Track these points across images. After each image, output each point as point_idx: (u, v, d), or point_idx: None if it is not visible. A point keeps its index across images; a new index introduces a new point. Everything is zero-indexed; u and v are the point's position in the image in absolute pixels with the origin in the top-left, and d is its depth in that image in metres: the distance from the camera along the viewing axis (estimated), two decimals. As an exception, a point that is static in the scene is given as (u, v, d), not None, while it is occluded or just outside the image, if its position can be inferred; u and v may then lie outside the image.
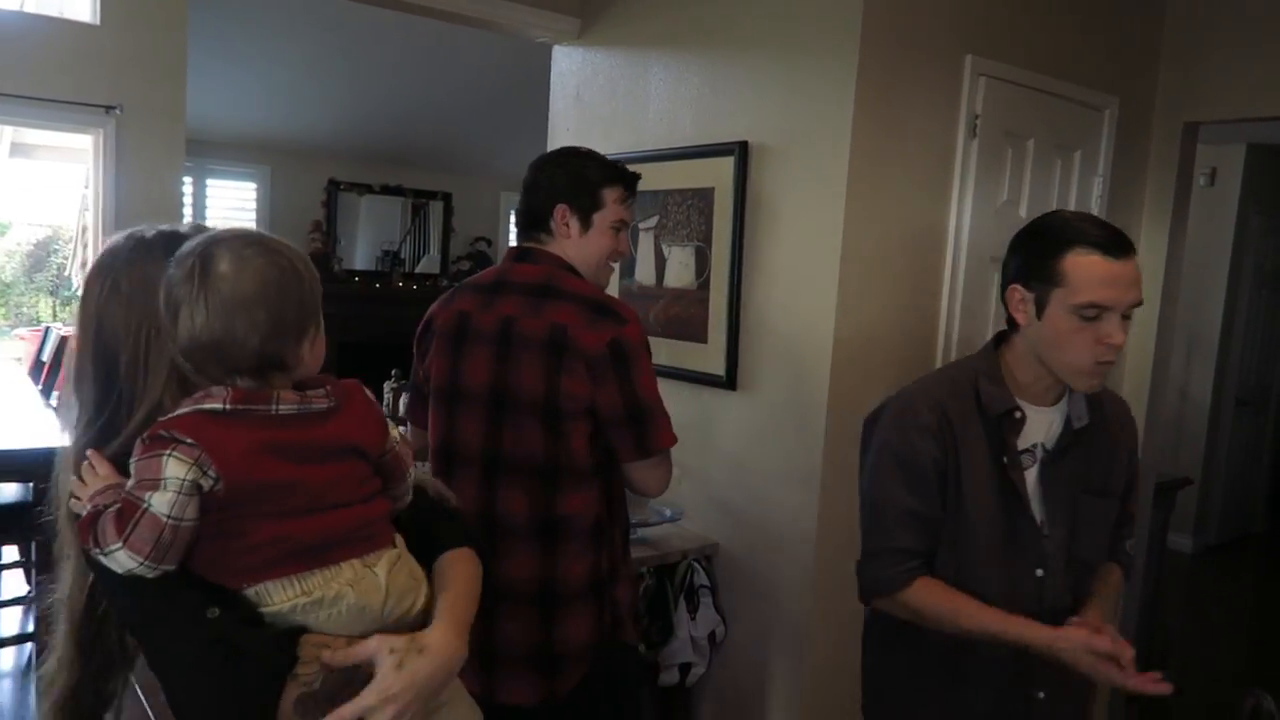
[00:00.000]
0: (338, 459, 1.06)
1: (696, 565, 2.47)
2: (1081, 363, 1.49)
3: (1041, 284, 1.50)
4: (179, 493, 0.96)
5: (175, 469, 0.96)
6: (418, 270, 7.39)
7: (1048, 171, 2.61)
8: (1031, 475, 1.58)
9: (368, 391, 1.14)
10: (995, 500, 1.55)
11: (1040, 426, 1.59)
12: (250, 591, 1.02)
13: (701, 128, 2.58)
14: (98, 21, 4.91)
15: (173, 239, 1.10)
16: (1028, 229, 1.58)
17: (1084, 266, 1.45)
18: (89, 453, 1.05)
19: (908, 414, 1.59)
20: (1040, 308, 1.51)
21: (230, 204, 6.76)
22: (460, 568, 1.17)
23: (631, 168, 1.94)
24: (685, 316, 2.63)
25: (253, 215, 6.76)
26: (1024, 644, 1.47)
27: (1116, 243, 1.46)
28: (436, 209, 7.49)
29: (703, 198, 2.55)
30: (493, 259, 7.37)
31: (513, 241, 8.36)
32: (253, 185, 6.76)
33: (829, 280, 2.24)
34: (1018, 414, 1.56)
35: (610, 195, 1.87)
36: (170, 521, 0.96)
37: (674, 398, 2.57)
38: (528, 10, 2.92)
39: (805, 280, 2.31)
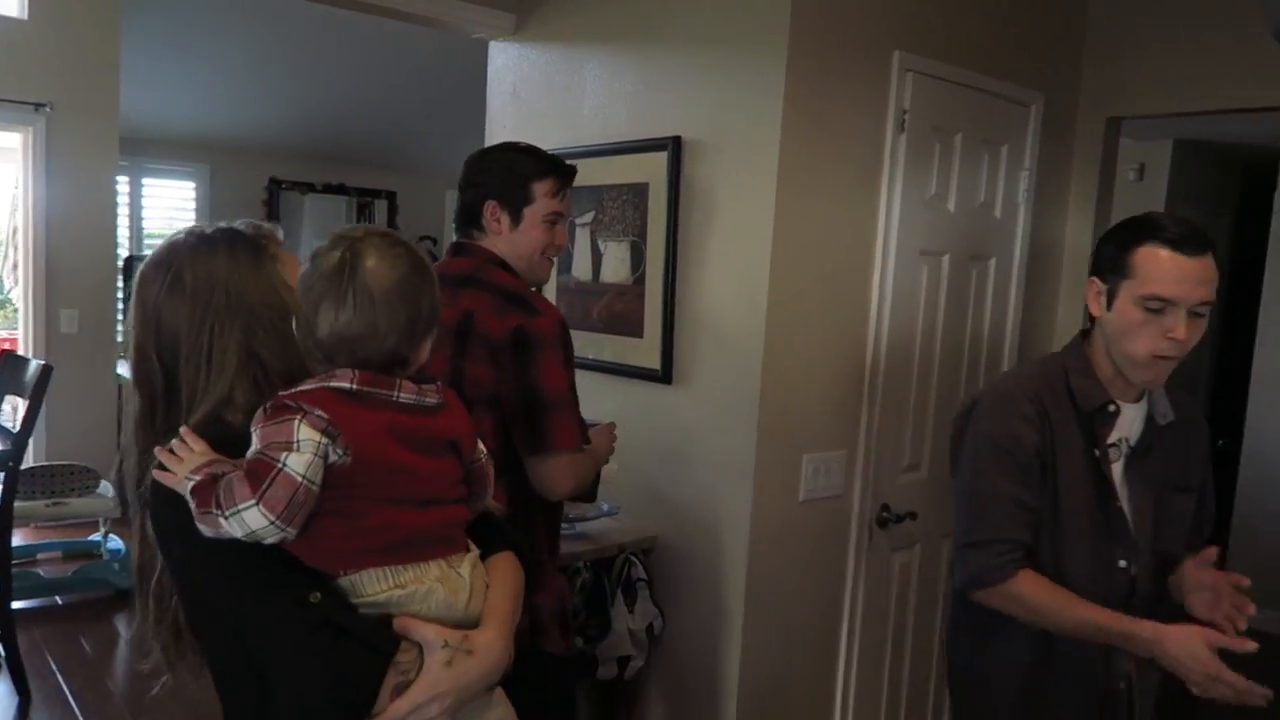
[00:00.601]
0: (442, 454, 1.11)
1: (634, 559, 2.48)
2: (1140, 353, 1.53)
3: (1114, 276, 1.56)
4: (315, 454, 0.99)
5: (308, 433, 0.99)
6: (363, 270, 7.31)
7: (975, 165, 2.66)
8: (1117, 470, 1.62)
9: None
10: (1088, 492, 1.60)
11: (1125, 422, 1.63)
12: (345, 581, 1.05)
13: (636, 123, 2.59)
14: (25, 16, 4.79)
15: (233, 235, 1.15)
16: (1113, 226, 1.64)
17: (1152, 259, 1.50)
18: (183, 430, 1.06)
19: (1007, 404, 1.63)
20: (1111, 299, 1.56)
21: (169, 203, 6.63)
22: (504, 572, 1.20)
23: (567, 163, 1.94)
24: (623, 312, 2.64)
25: (192, 215, 6.64)
26: (1126, 640, 1.48)
27: (1189, 239, 1.50)
28: (381, 208, 7.43)
29: (637, 193, 2.56)
30: (439, 257, 7.31)
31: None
32: (191, 184, 6.64)
33: (760, 274, 2.26)
34: (1112, 408, 1.60)
35: (541, 189, 1.87)
36: (304, 482, 0.98)
37: (612, 393, 2.60)
38: (462, 5, 2.90)
39: (738, 274, 2.33)
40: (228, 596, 1.05)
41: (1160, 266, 1.49)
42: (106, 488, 4.24)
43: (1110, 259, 1.57)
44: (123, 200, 6.00)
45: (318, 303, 1.05)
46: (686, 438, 2.47)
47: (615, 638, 2.40)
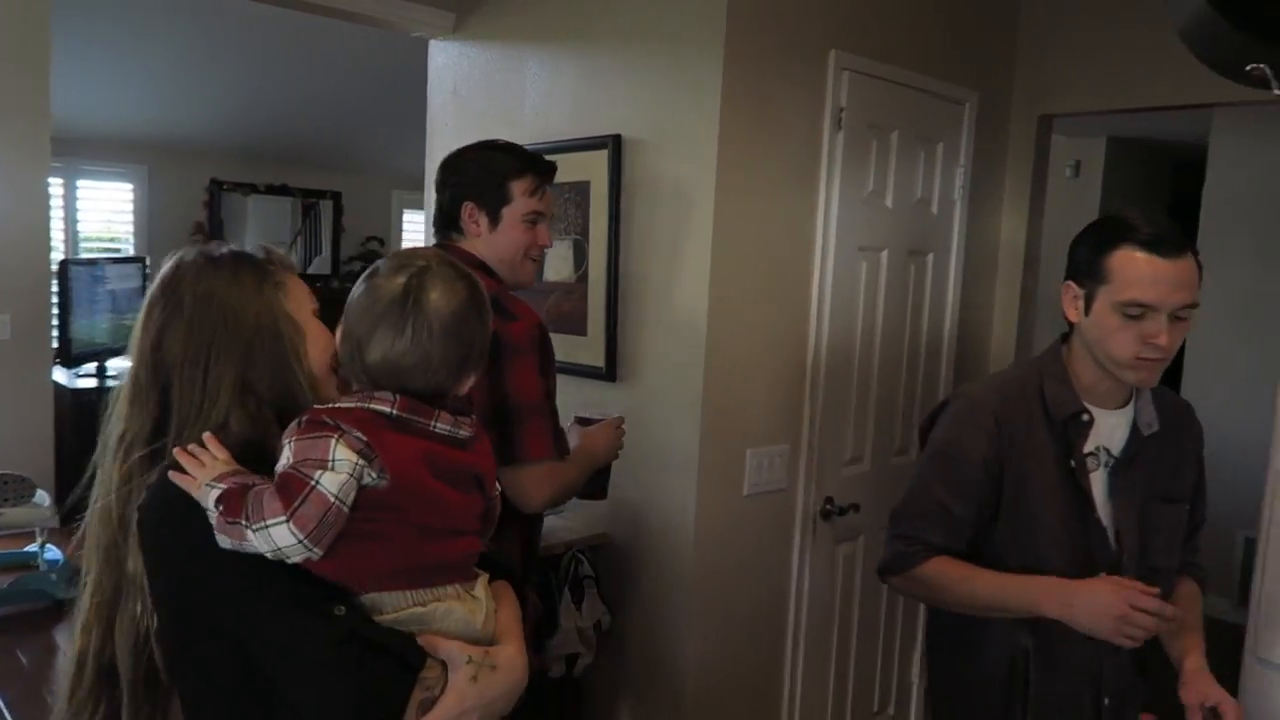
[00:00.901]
0: (469, 488, 1.10)
1: (580, 556, 2.48)
2: (1124, 355, 1.46)
3: (1090, 281, 1.48)
4: (350, 475, 0.97)
5: (345, 453, 0.97)
6: (309, 271, 7.21)
7: (912, 163, 2.71)
8: (1099, 482, 1.55)
9: None
10: (1064, 504, 1.54)
11: (1105, 430, 1.56)
12: (365, 599, 1.03)
13: (577, 121, 2.59)
14: (-52, 14, 4.64)
15: (239, 257, 1.13)
16: (1086, 226, 1.55)
17: (1128, 263, 1.43)
18: (205, 436, 1.04)
19: (965, 413, 1.60)
20: (1089, 304, 1.49)
21: (106, 205, 6.47)
22: (507, 597, 1.19)
23: (546, 159, 1.92)
24: (569, 311, 2.64)
25: (130, 218, 6.49)
26: (1033, 606, 1.47)
27: (1165, 240, 1.42)
28: (327, 209, 7.32)
29: (579, 191, 2.57)
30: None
31: (409, 241, 8.14)
32: (129, 186, 6.48)
33: (702, 271, 2.28)
34: (1085, 417, 1.54)
35: (518, 188, 1.85)
36: (336, 503, 0.96)
37: (559, 391, 2.58)
38: (401, 4, 2.89)
39: (678, 272, 2.34)
40: (242, 608, 1.01)
41: (1138, 270, 1.42)
42: (43, 497, 4.12)
43: (1085, 263, 1.50)
44: (56, 204, 5.85)
45: (374, 327, 1.04)
46: (631, 434, 2.46)
47: (563, 636, 2.40)
